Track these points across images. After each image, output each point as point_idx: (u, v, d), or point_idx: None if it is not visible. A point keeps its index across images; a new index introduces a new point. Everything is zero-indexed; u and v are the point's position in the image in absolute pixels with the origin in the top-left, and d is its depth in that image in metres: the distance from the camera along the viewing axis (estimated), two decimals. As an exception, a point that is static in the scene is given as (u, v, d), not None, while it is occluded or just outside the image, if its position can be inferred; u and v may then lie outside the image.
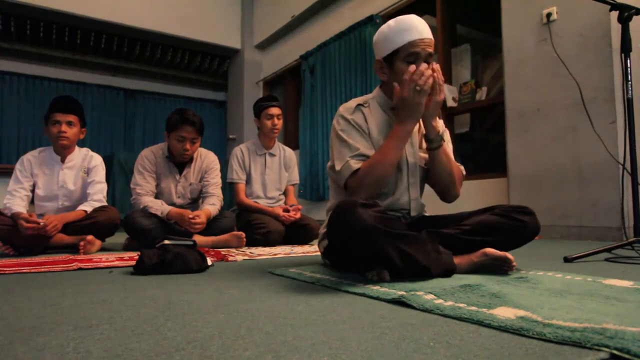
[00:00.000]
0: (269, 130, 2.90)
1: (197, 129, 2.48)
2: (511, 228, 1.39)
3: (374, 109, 1.50)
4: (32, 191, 2.38)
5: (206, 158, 2.68)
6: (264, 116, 2.89)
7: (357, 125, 1.44)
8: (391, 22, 1.43)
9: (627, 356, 0.58)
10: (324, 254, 1.54)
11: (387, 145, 1.36)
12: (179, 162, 2.59)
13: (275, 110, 2.89)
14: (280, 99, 5.54)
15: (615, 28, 2.45)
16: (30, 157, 2.40)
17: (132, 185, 2.53)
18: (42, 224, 2.09)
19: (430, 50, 1.38)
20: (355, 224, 1.13)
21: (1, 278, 1.38)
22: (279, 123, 2.92)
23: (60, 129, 2.33)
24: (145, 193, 2.50)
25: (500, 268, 1.32)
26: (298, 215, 2.80)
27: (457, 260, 1.30)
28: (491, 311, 0.83)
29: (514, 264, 1.31)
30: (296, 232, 2.76)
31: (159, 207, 2.44)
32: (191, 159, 2.61)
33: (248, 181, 2.95)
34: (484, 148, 4.14)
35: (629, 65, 1.77)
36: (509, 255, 1.30)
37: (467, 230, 1.38)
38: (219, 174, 2.71)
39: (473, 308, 0.86)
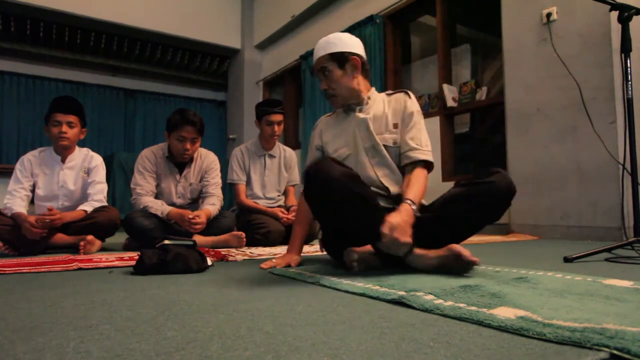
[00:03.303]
0: (268, 136, 2.90)
1: (197, 129, 2.48)
2: (476, 192, 1.37)
3: (337, 112, 1.75)
4: (32, 191, 2.38)
5: (206, 158, 2.68)
6: (264, 122, 2.88)
7: (313, 145, 1.77)
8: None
9: (627, 356, 0.58)
10: (321, 241, 1.67)
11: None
12: (179, 162, 2.59)
13: (276, 118, 2.87)
14: (280, 99, 5.57)
15: (615, 28, 2.45)
16: (30, 157, 2.40)
17: (132, 185, 2.53)
18: (48, 220, 2.10)
19: (319, 65, 1.62)
20: (324, 173, 1.32)
21: (1, 278, 1.38)
22: (279, 129, 2.91)
23: (61, 130, 2.33)
24: (146, 193, 2.49)
25: (457, 264, 1.28)
26: None
27: (425, 252, 1.33)
28: (491, 311, 0.83)
29: (474, 259, 1.26)
30: (296, 232, 2.75)
31: (159, 207, 2.44)
32: (191, 159, 2.61)
33: (248, 182, 2.95)
34: (484, 148, 4.14)
35: (629, 65, 1.77)
36: (462, 250, 1.27)
37: (437, 208, 1.44)
38: (219, 174, 2.71)
39: (473, 308, 0.86)
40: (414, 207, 1.38)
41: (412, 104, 1.64)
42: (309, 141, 1.81)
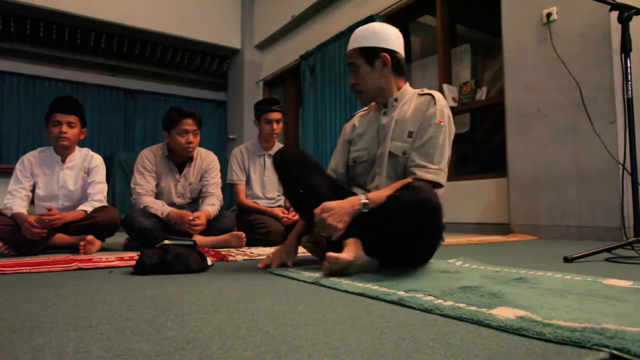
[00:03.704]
0: (267, 134, 2.91)
1: (196, 120, 2.50)
2: (387, 206, 1.31)
3: (372, 109, 1.67)
4: (33, 191, 2.38)
5: (206, 158, 2.68)
6: (263, 120, 2.89)
7: (343, 136, 1.74)
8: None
9: (627, 356, 0.58)
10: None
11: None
12: (179, 162, 2.59)
13: (274, 116, 2.87)
14: (280, 99, 5.60)
15: (615, 28, 2.45)
16: (30, 157, 2.40)
17: (132, 185, 2.53)
18: (47, 220, 2.10)
19: (349, 61, 1.57)
20: (281, 157, 1.55)
21: (1, 278, 1.38)
22: (278, 128, 2.91)
23: (61, 130, 2.33)
24: (146, 193, 2.49)
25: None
26: (297, 217, 2.81)
27: (348, 249, 1.33)
28: (491, 311, 0.83)
29: (327, 266, 1.27)
30: (296, 232, 2.76)
31: (159, 207, 2.43)
32: (191, 159, 2.61)
33: (247, 182, 2.95)
34: (484, 148, 4.14)
35: (629, 65, 1.77)
36: (331, 256, 1.27)
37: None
38: (219, 174, 2.71)
39: (473, 308, 0.86)
40: (363, 200, 1.35)
41: (436, 112, 1.47)
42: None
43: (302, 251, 2.08)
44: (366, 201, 1.35)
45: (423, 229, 1.31)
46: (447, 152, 1.48)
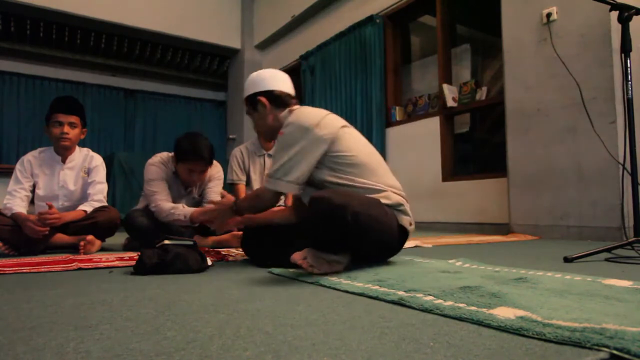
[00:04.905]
0: None
1: (207, 162, 2.42)
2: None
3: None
4: (33, 191, 2.38)
5: (211, 170, 2.63)
6: None
7: None
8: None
9: (627, 356, 0.58)
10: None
11: None
12: None
13: None
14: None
15: (615, 28, 2.45)
16: (30, 158, 2.39)
17: (148, 193, 2.44)
18: (48, 219, 2.09)
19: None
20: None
21: (1, 278, 1.38)
22: None
23: (63, 130, 2.32)
24: (165, 199, 2.42)
25: None
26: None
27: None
28: (491, 311, 0.83)
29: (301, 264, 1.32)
30: (296, 232, 2.75)
31: (182, 211, 2.36)
32: None
33: (247, 182, 2.95)
34: (484, 148, 4.14)
35: (629, 65, 1.77)
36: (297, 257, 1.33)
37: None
38: (222, 184, 2.69)
39: (473, 308, 0.86)
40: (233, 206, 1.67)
41: (286, 125, 1.54)
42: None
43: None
44: (232, 205, 1.68)
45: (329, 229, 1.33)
46: (287, 157, 1.49)
